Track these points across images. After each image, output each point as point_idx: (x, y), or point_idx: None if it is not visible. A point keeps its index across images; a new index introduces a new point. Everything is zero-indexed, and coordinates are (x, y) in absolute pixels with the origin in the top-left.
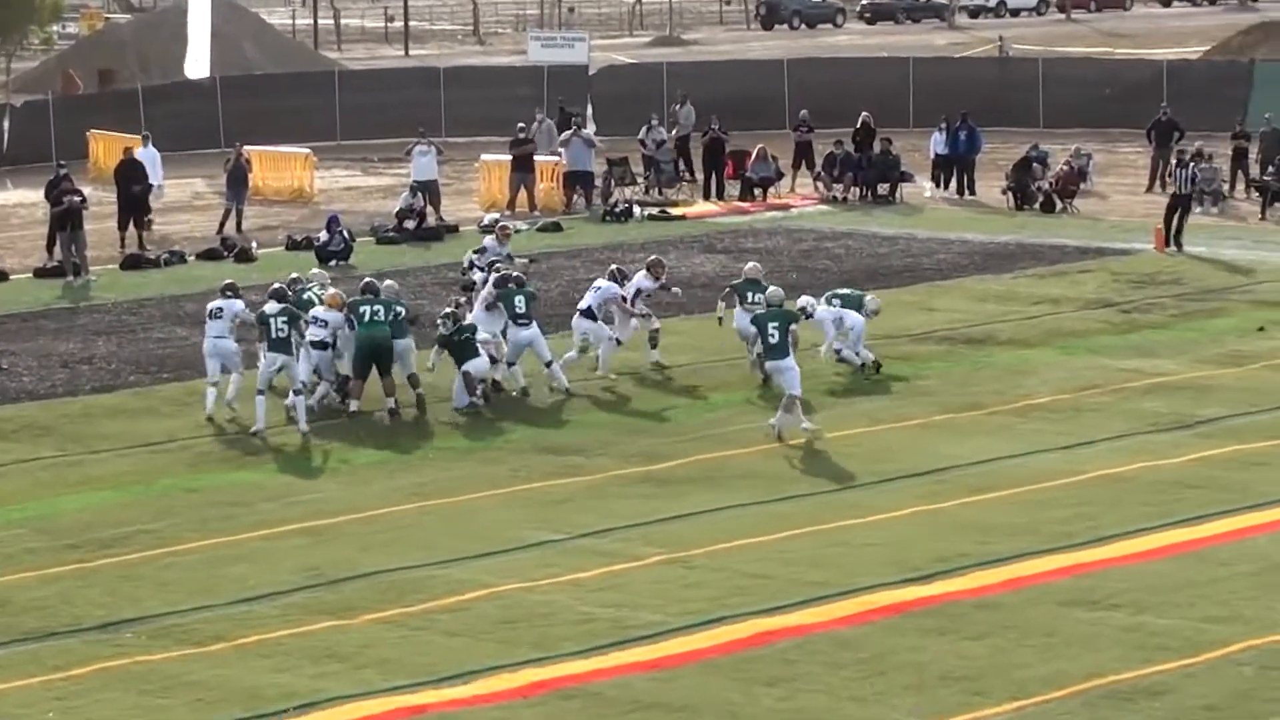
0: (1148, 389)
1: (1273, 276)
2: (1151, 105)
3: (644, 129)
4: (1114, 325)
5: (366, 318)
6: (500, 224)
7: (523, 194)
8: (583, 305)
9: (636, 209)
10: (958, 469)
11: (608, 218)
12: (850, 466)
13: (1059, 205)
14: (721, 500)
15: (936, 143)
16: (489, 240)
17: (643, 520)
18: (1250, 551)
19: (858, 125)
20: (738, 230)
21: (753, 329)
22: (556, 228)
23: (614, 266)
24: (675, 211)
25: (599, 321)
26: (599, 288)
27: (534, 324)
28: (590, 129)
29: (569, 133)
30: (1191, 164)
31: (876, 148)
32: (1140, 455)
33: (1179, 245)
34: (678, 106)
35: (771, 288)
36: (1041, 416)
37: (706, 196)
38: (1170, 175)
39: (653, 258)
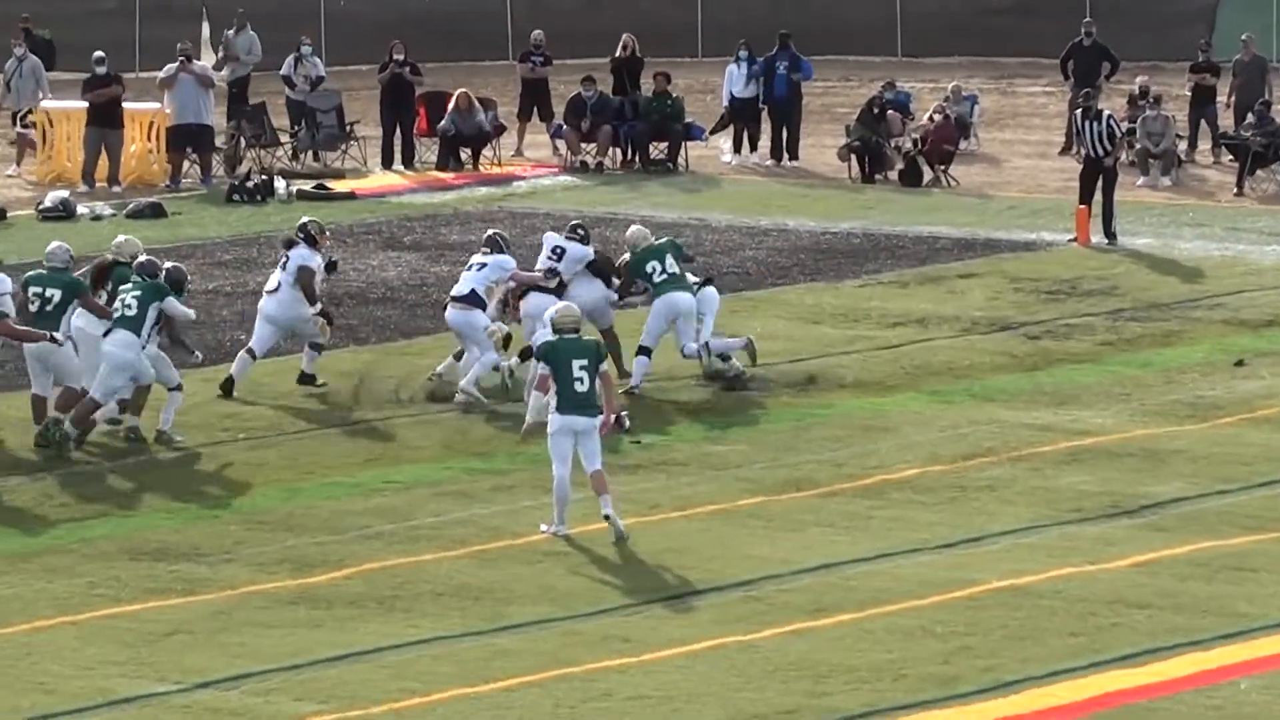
0: (1068, 455)
1: (1256, 282)
2: (1069, 22)
3: (290, 60)
4: (1015, 358)
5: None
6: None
7: (104, 160)
8: (460, 290)
9: (280, 182)
10: (778, 580)
11: (235, 196)
12: (613, 577)
13: (928, 174)
14: (414, 630)
15: (734, 80)
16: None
17: (293, 661)
18: (1227, 704)
19: (616, 53)
20: (435, 215)
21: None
22: (156, 212)
23: (492, 231)
24: (339, 187)
25: (483, 312)
26: (484, 264)
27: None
28: (207, 60)
29: (174, 67)
30: (1106, 115)
31: (647, 89)
32: (1058, 557)
33: (1111, 234)
34: (230, 33)
35: (562, 304)
36: (907, 499)
37: (388, 163)
38: (1077, 130)
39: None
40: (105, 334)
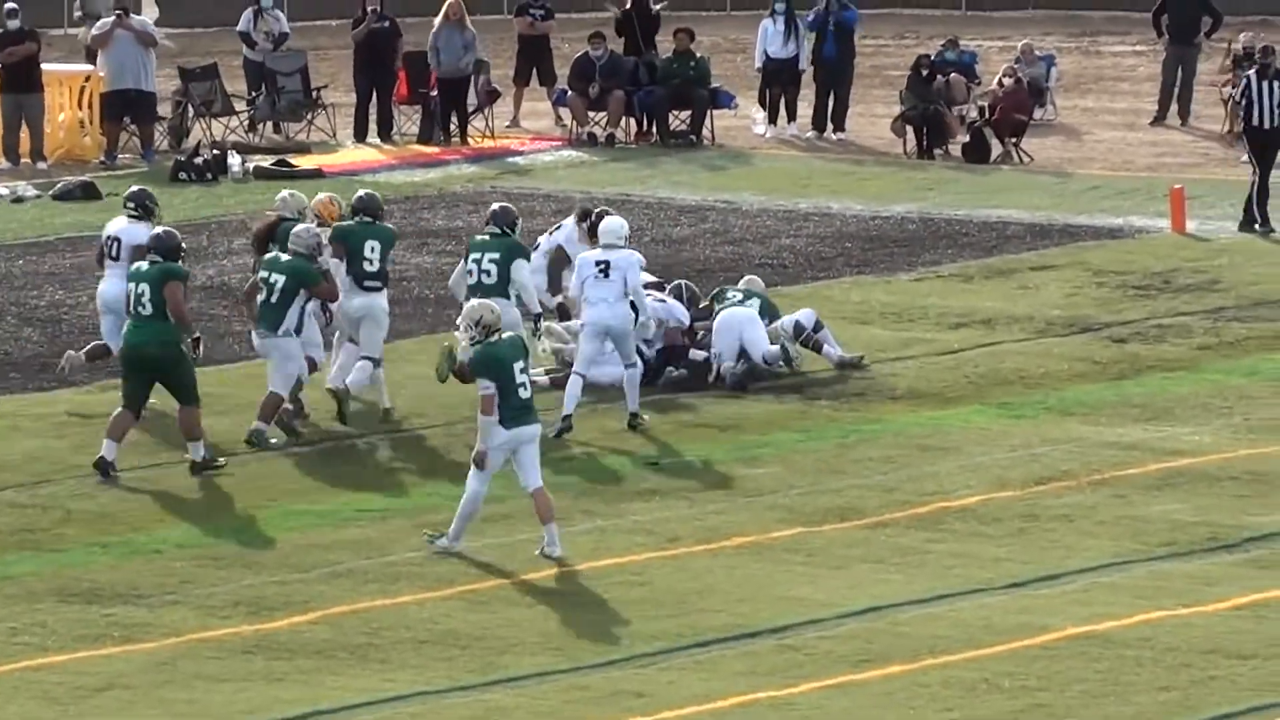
0: (1159, 480)
1: None
2: None
3: (248, 14)
4: (1098, 365)
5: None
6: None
7: (26, 133)
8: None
9: (235, 158)
10: (818, 625)
11: (182, 174)
12: (625, 621)
13: (996, 149)
14: (391, 684)
15: (768, 37)
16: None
17: None
18: None
19: (627, 4)
20: (416, 197)
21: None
22: (88, 193)
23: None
24: (304, 163)
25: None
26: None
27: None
28: (149, 14)
29: (108, 22)
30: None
31: (666, 48)
32: (1146, 599)
33: (1264, 220)
34: None
35: (480, 301)
36: (969, 531)
37: (361, 135)
38: (1238, 91)
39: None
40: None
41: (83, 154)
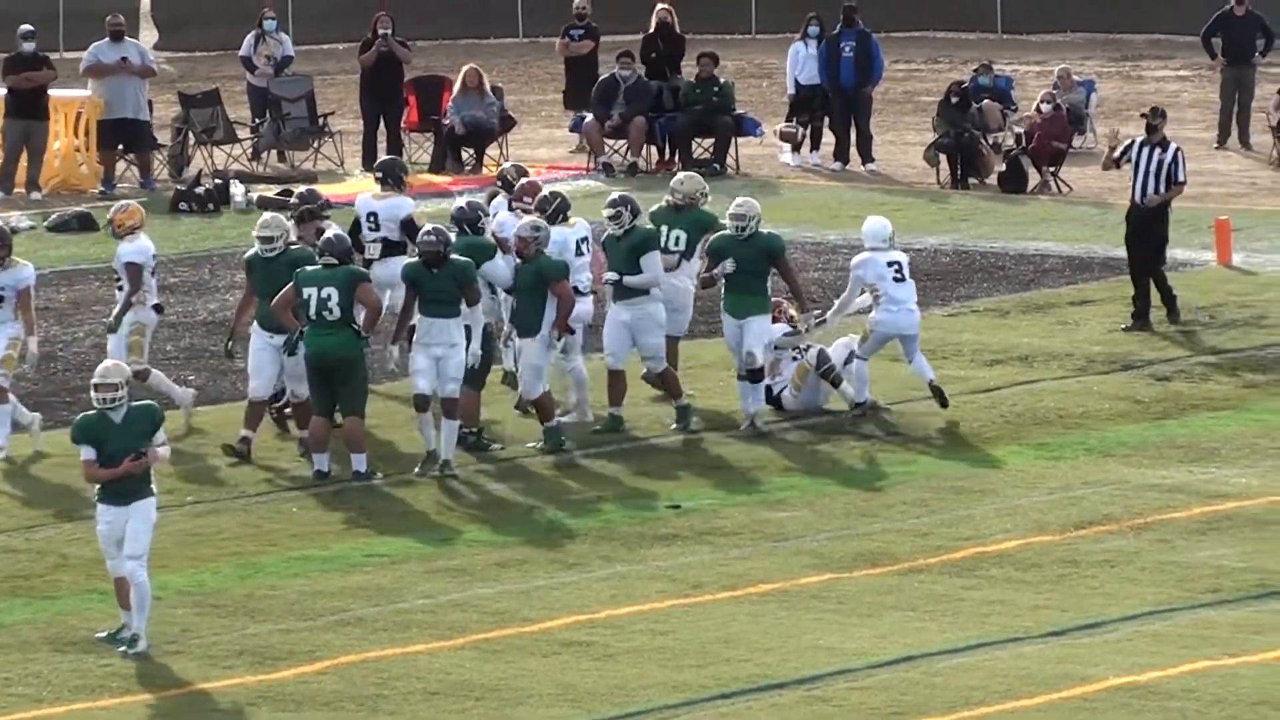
0: (1204, 524)
1: None
2: None
3: (250, 38)
4: (1139, 405)
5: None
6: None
7: (25, 161)
8: None
9: (237, 187)
10: (849, 676)
11: (183, 205)
12: (646, 672)
13: (1033, 178)
14: None
15: (799, 62)
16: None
17: None
18: None
19: (651, 30)
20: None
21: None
22: (85, 224)
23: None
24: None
25: None
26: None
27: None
28: (147, 39)
29: (102, 46)
30: None
31: (689, 72)
32: (1191, 649)
33: None
34: None
35: (110, 363)
36: (1006, 577)
37: (370, 163)
38: None
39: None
40: None
41: (79, 183)
